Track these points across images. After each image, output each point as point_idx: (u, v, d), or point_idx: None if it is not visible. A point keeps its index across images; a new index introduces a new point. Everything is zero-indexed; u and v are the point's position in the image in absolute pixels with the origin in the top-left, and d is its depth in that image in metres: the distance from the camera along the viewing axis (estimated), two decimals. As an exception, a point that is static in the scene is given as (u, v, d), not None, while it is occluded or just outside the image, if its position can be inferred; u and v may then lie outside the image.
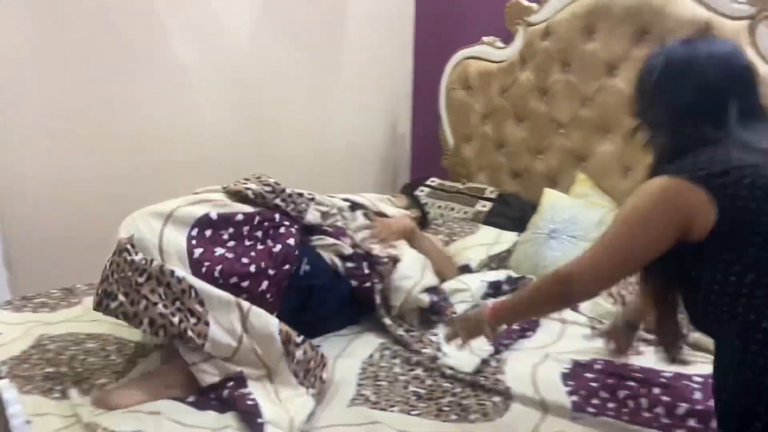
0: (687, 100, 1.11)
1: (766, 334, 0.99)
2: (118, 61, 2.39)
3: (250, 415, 1.34)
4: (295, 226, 1.75)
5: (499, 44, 2.65)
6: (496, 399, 1.43)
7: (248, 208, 1.72)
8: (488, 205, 2.56)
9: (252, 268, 1.57)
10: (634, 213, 1.10)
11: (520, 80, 2.55)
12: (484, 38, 2.70)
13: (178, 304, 1.45)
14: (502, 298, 1.69)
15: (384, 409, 1.39)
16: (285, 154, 2.91)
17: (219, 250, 1.59)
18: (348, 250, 1.83)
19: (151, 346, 1.70)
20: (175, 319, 1.43)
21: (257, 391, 1.42)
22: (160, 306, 1.44)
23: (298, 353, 1.48)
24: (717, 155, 1.04)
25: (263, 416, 1.34)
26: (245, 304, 1.49)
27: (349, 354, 1.65)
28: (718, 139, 1.06)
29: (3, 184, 2.19)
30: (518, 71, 2.55)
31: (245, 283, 1.55)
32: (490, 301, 1.50)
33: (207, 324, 1.44)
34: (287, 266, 1.63)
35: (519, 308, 1.32)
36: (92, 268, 2.38)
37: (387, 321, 1.75)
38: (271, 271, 1.59)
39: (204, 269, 1.53)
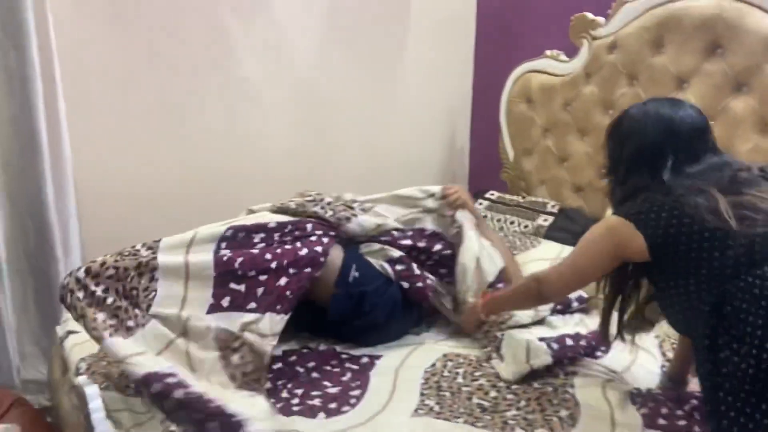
0: (630, 154, 1.38)
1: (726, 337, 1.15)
2: (189, 73, 2.50)
3: (221, 418, 1.28)
4: (331, 234, 1.77)
5: (563, 57, 2.64)
6: (564, 414, 1.41)
7: (283, 218, 1.76)
8: (549, 219, 2.53)
9: (273, 264, 1.59)
10: (587, 242, 1.43)
11: (584, 94, 2.52)
12: (548, 51, 2.69)
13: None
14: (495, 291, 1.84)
15: (448, 420, 1.40)
16: (344, 167, 2.97)
17: (246, 250, 1.63)
18: (396, 254, 1.84)
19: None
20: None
21: (207, 390, 1.35)
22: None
23: (234, 358, 1.46)
24: (647, 198, 1.31)
25: (235, 413, 1.29)
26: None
27: (411, 364, 1.66)
28: (650, 186, 1.33)
29: (82, 187, 2.30)
30: (582, 85, 2.53)
31: (263, 277, 1.57)
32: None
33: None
34: (309, 269, 1.63)
35: (504, 302, 1.68)
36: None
37: (447, 305, 1.80)
38: (292, 270, 1.60)
39: (225, 259, 1.57)
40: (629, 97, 2.35)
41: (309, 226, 1.74)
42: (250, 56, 2.61)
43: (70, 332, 1.85)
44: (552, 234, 2.46)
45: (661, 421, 1.37)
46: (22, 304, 2.24)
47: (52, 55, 2.10)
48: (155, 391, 1.32)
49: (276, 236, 1.69)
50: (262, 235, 1.68)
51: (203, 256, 1.59)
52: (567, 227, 2.46)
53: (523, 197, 2.75)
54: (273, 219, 1.75)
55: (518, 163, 2.86)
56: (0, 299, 2.12)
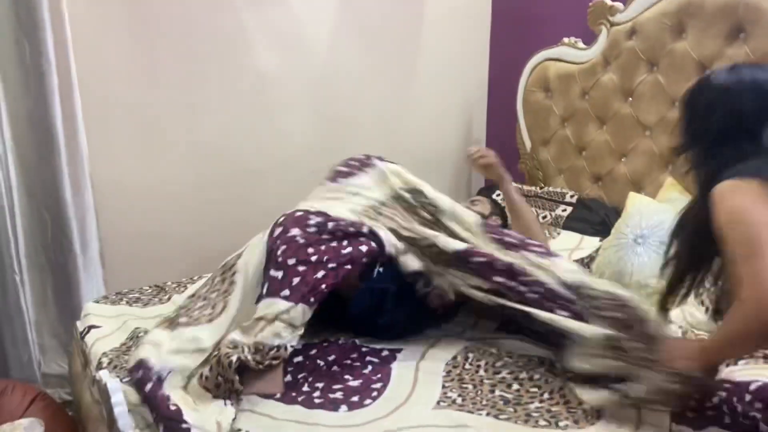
0: (723, 123, 1.27)
1: None
2: (204, 69, 2.49)
3: (173, 421, 1.31)
4: (372, 244, 1.71)
5: (581, 45, 2.60)
6: (587, 407, 1.39)
7: (349, 215, 1.75)
8: (568, 209, 2.51)
9: (313, 258, 1.58)
10: (737, 212, 1.15)
11: (603, 81, 2.48)
12: (565, 39, 2.65)
13: None
14: (701, 336, 1.59)
15: (471, 412, 1.38)
16: (361, 158, 2.95)
17: (295, 231, 1.62)
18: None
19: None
20: None
21: (175, 396, 1.39)
22: None
23: (205, 371, 1.45)
24: (757, 163, 1.20)
25: (188, 421, 1.31)
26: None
27: (432, 356, 1.65)
28: (751, 153, 1.22)
29: (99, 188, 2.31)
30: (601, 72, 2.49)
31: (301, 268, 1.56)
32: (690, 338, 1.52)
33: None
34: (349, 267, 1.61)
35: (726, 350, 1.26)
36: (180, 266, 2.50)
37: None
38: (331, 265, 1.59)
39: (271, 246, 1.60)
40: (649, 85, 2.32)
41: (365, 228, 1.71)
42: (265, 50, 2.60)
43: (91, 327, 1.85)
44: (571, 224, 2.44)
45: (690, 414, 1.34)
46: (41, 298, 2.26)
47: (67, 49, 2.10)
48: (135, 379, 1.43)
49: (330, 226, 1.67)
50: (320, 219, 1.68)
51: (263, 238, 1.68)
52: (586, 217, 2.44)
53: (541, 188, 2.72)
54: (340, 212, 1.73)
55: (536, 153, 2.83)
56: (19, 293, 2.14)
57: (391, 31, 2.90)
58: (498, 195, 2.76)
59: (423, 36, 3.01)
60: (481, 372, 1.55)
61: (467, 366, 1.58)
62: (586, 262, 2.17)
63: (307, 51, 2.70)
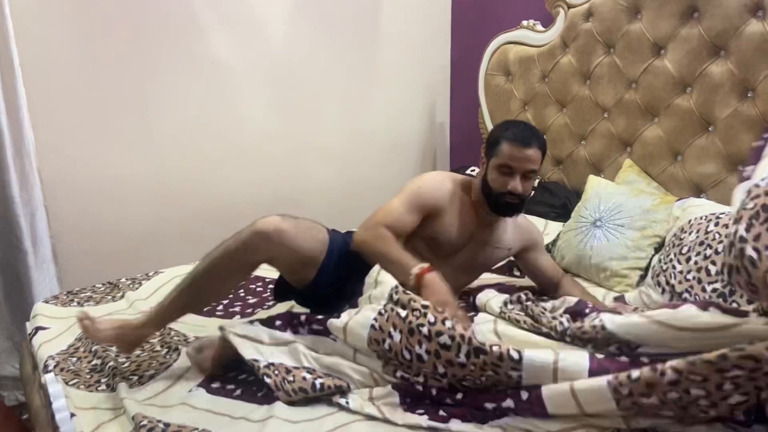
0: None
1: None
2: (157, 59, 2.42)
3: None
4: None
5: (539, 28, 2.58)
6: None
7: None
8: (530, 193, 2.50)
9: None
10: None
11: (562, 64, 2.47)
12: (524, 22, 2.63)
13: None
14: None
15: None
16: (323, 145, 2.91)
17: None
18: None
19: (191, 336, 1.72)
20: None
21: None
22: None
23: None
24: None
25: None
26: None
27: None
28: None
29: (50, 182, 2.24)
30: (559, 55, 2.48)
31: None
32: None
33: None
34: None
35: None
36: (135, 262, 2.44)
37: None
38: None
39: None
40: (606, 66, 2.31)
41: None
42: (219, 35, 2.54)
43: (39, 328, 1.80)
44: (533, 208, 2.42)
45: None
46: (-9, 299, 2.20)
47: (9, 40, 2.03)
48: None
49: None
50: None
51: None
52: (547, 201, 2.43)
53: (504, 172, 2.70)
54: None
55: (498, 137, 2.81)
56: (-32, 295, 2.08)
57: (351, 15, 2.85)
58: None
59: (383, 20, 2.96)
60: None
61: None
62: (549, 247, 2.17)
63: (263, 36, 2.64)
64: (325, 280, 1.64)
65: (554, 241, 2.17)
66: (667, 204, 1.99)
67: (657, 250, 1.94)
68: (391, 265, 1.58)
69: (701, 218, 1.82)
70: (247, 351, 1.45)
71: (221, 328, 1.51)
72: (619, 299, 1.85)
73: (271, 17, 2.64)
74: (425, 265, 1.55)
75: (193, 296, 1.57)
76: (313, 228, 1.65)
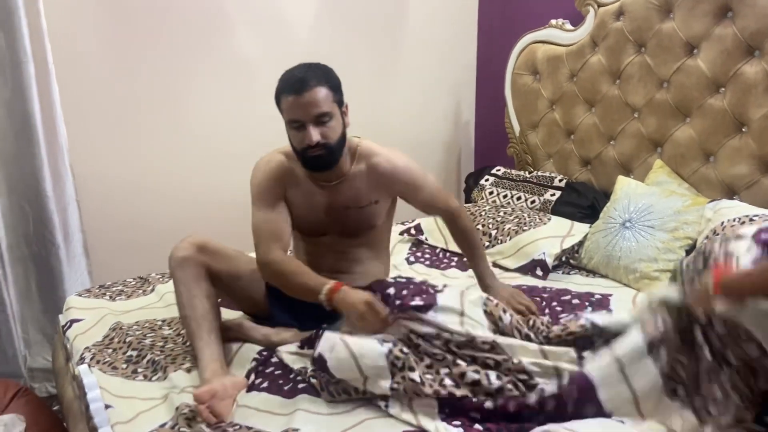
0: None
1: None
2: (186, 57, 2.45)
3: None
4: None
5: (568, 27, 2.56)
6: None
7: None
8: (557, 193, 2.48)
9: None
10: None
11: (591, 63, 2.45)
12: (552, 21, 2.61)
13: None
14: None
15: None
16: (348, 144, 2.92)
17: None
18: None
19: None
20: None
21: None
22: None
23: None
24: None
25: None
26: None
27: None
28: None
29: (81, 178, 2.28)
30: (589, 54, 2.45)
31: None
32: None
33: None
34: None
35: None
36: (164, 256, 2.47)
37: None
38: None
39: None
40: (637, 66, 2.28)
41: None
42: (247, 35, 2.56)
43: (73, 321, 1.84)
44: (559, 209, 2.41)
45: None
46: (24, 292, 2.24)
47: (43, 39, 2.07)
48: None
49: None
50: None
51: None
52: (575, 201, 2.41)
53: (530, 172, 2.69)
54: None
55: (524, 137, 2.80)
56: (2, 287, 2.12)
57: (376, 15, 2.86)
58: (486, 180, 2.74)
59: (409, 18, 2.96)
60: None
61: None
62: (575, 249, 2.15)
63: (289, 36, 2.66)
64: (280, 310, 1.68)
65: (581, 242, 2.16)
66: (699, 205, 1.97)
67: (688, 252, 1.91)
68: (300, 293, 1.54)
69: (734, 220, 1.80)
70: (296, 365, 1.49)
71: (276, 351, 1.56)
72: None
73: (297, 17, 2.66)
74: (331, 284, 1.48)
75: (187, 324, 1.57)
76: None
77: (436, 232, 2.37)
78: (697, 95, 2.12)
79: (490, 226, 2.31)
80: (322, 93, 1.51)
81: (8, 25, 1.99)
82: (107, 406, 1.38)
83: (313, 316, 1.57)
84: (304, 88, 1.50)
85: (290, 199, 1.67)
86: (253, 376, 1.51)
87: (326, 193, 1.67)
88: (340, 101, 1.60)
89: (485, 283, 1.82)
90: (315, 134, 1.50)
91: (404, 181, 1.72)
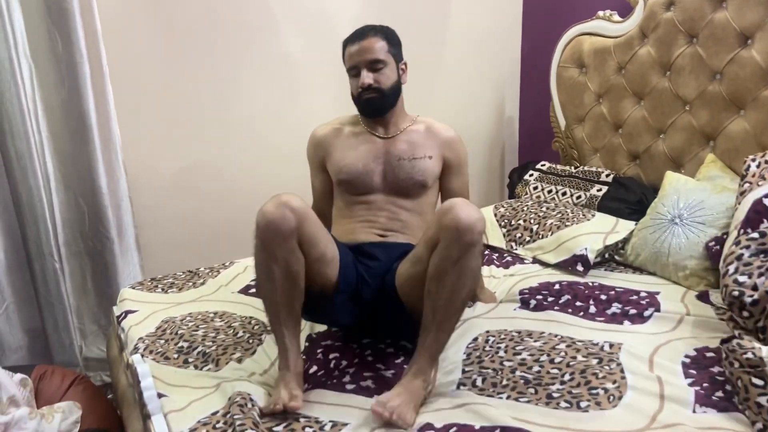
0: None
1: None
2: (233, 57, 2.50)
3: None
4: None
5: (616, 18, 2.50)
6: (610, 387, 1.36)
7: None
8: (603, 189, 2.43)
9: None
10: None
11: (640, 55, 2.39)
12: (600, 12, 2.56)
13: None
14: None
15: (491, 395, 1.37)
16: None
17: None
18: None
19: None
20: None
21: None
22: None
23: None
24: None
25: None
26: None
27: (452, 340, 1.62)
28: None
29: (133, 175, 2.35)
30: (637, 46, 2.40)
31: None
32: None
33: None
34: None
35: None
36: (212, 251, 2.54)
37: None
38: None
39: None
40: (688, 57, 2.22)
41: None
42: (291, 32, 2.59)
43: (128, 312, 1.90)
44: (606, 204, 2.36)
45: (715, 399, 1.30)
46: (80, 285, 2.33)
47: (98, 39, 2.13)
48: None
49: None
50: None
51: None
52: (622, 197, 2.36)
53: (576, 167, 2.65)
54: None
55: (570, 131, 2.76)
56: (60, 281, 2.20)
57: (419, 9, 2.85)
58: (531, 175, 2.71)
59: (452, 12, 2.95)
60: (501, 353, 1.53)
61: (487, 348, 1.56)
62: (620, 246, 2.11)
63: (332, 32, 2.66)
64: (345, 281, 1.56)
65: (627, 239, 2.11)
66: (753, 201, 1.90)
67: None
68: None
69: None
70: None
71: None
72: (703, 297, 1.79)
73: (340, 13, 2.68)
74: None
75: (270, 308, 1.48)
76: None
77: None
78: (751, 87, 2.05)
79: (532, 221, 2.29)
80: (377, 42, 1.67)
81: (64, 26, 2.05)
82: (160, 395, 1.42)
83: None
84: (361, 37, 1.68)
85: (337, 156, 1.78)
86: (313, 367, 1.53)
87: (382, 144, 1.77)
88: (397, 56, 1.74)
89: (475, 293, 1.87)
90: (367, 78, 1.66)
91: (456, 152, 1.82)
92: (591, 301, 1.80)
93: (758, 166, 1.74)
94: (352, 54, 1.69)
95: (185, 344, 1.68)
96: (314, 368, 1.52)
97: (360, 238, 1.73)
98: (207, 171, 2.54)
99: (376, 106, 1.72)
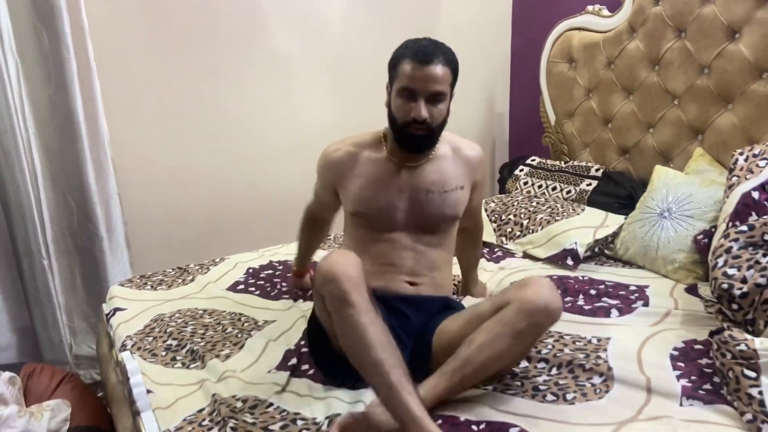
0: None
1: None
2: (223, 54, 2.49)
3: None
4: None
5: (605, 13, 2.51)
6: (597, 380, 1.37)
7: None
8: (593, 183, 2.44)
9: None
10: None
11: (629, 50, 2.40)
12: (589, 7, 2.56)
13: None
14: None
15: (477, 387, 1.37)
16: (382, 136, 2.92)
17: None
18: None
19: (262, 321, 1.77)
20: None
21: None
22: None
23: None
24: None
25: None
26: None
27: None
28: None
29: (122, 172, 2.34)
30: (626, 40, 2.40)
31: None
32: None
33: None
34: None
35: None
36: (202, 248, 2.53)
37: None
38: None
39: None
40: (677, 52, 2.23)
41: None
42: (282, 30, 2.58)
43: (116, 309, 1.89)
44: (596, 198, 2.37)
45: (702, 392, 1.31)
46: (69, 283, 2.32)
47: (85, 35, 2.12)
48: None
49: None
50: None
51: None
52: (612, 191, 2.37)
53: (566, 162, 2.65)
54: None
55: (560, 126, 2.76)
56: (48, 278, 2.19)
57: (410, 5, 2.85)
58: (521, 170, 2.71)
59: (443, 9, 2.95)
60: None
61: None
62: (609, 240, 2.12)
63: (323, 30, 2.67)
64: None
65: (617, 233, 2.12)
66: (741, 194, 1.91)
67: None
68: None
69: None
70: None
71: None
72: (691, 290, 1.80)
73: (332, 13, 2.67)
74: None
75: None
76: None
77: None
78: (739, 81, 2.06)
79: (522, 216, 2.29)
80: (443, 71, 1.43)
81: (51, 22, 2.04)
82: (148, 391, 1.42)
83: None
84: (430, 60, 1.41)
85: (354, 186, 1.54)
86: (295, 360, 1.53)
87: (408, 174, 1.53)
88: (453, 87, 1.52)
89: (469, 289, 1.86)
90: (425, 110, 1.41)
91: (483, 172, 1.65)
92: (580, 296, 1.81)
93: (746, 160, 1.74)
94: (414, 77, 1.41)
95: (173, 342, 1.68)
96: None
97: (389, 286, 1.51)
98: (197, 167, 2.53)
99: (422, 144, 1.49)
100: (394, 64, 1.48)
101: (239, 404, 1.36)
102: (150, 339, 1.71)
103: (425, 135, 1.45)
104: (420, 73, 1.40)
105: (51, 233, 2.21)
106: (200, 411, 1.36)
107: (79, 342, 2.36)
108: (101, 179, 2.25)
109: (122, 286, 2.06)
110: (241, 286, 2.02)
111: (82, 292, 2.34)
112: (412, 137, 1.45)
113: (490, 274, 2.03)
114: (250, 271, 2.13)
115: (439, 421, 1.25)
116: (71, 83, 2.10)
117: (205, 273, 2.13)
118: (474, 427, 1.23)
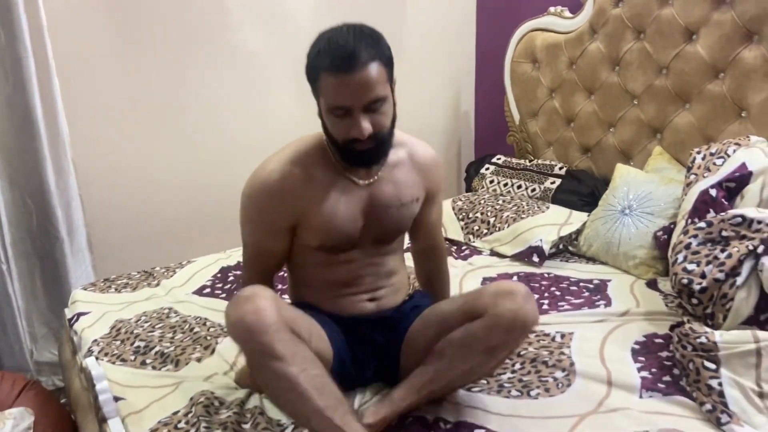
0: None
1: None
2: (188, 52, 2.45)
3: None
4: None
5: (567, 14, 2.55)
6: (559, 375, 1.41)
7: None
8: (557, 181, 2.49)
9: None
10: None
11: (590, 51, 2.45)
12: (551, 8, 2.60)
13: None
14: None
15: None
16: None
17: None
18: None
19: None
20: None
21: None
22: None
23: None
24: None
25: None
26: None
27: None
28: None
29: (84, 172, 2.29)
30: (588, 41, 2.45)
31: None
32: None
33: None
34: None
35: None
36: (167, 250, 2.49)
37: None
38: None
39: None
40: (636, 52, 2.28)
41: None
42: (248, 27, 2.56)
43: (80, 314, 1.86)
44: (560, 196, 2.42)
45: (661, 385, 1.35)
46: (29, 287, 2.26)
47: (43, 34, 2.06)
48: None
49: None
50: None
51: None
52: (575, 189, 2.42)
53: (530, 160, 2.70)
54: None
55: (524, 125, 2.80)
56: (6, 282, 2.13)
57: (376, 5, 2.85)
58: (487, 169, 2.75)
59: (408, 8, 2.96)
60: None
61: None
62: (573, 237, 2.17)
63: (290, 29, 2.65)
64: (339, 363, 1.33)
65: (580, 230, 2.17)
66: (699, 191, 1.97)
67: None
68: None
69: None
70: None
71: None
72: (652, 284, 1.85)
73: (297, 10, 2.65)
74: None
75: None
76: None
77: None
78: (696, 81, 2.12)
79: (489, 213, 2.32)
80: (375, 71, 1.15)
81: (8, 20, 1.98)
82: (117, 399, 1.40)
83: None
84: (353, 65, 1.13)
85: (318, 215, 1.31)
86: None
87: (365, 191, 1.35)
88: (392, 78, 1.24)
89: None
90: (366, 125, 1.17)
91: (437, 179, 1.47)
92: (545, 294, 1.84)
93: (703, 158, 1.80)
94: (339, 90, 1.17)
95: (141, 344, 1.65)
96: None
97: (348, 309, 1.40)
98: (162, 168, 2.49)
99: (373, 157, 1.26)
100: (313, 78, 1.24)
101: (215, 403, 1.35)
102: (117, 343, 1.68)
103: (373, 148, 1.23)
104: (346, 83, 1.15)
105: (9, 236, 2.15)
106: (175, 413, 1.34)
107: (41, 348, 2.30)
108: (62, 180, 2.20)
109: (85, 290, 2.02)
110: (208, 290, 2.00)
111: (42, 296, 2.28)
112: (358, 154, 1.24)
113: (458, 270, 2.06)
114: (218, 275, 2.11)
115: (410, 419, 1.26)
116: (29, 82, 2.05)
117: (171, 276, 2.11)
118: (442, 425, 1.25)
